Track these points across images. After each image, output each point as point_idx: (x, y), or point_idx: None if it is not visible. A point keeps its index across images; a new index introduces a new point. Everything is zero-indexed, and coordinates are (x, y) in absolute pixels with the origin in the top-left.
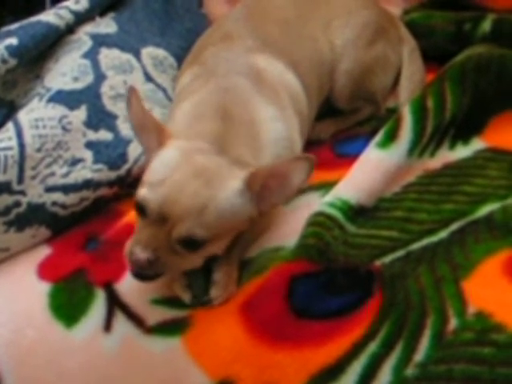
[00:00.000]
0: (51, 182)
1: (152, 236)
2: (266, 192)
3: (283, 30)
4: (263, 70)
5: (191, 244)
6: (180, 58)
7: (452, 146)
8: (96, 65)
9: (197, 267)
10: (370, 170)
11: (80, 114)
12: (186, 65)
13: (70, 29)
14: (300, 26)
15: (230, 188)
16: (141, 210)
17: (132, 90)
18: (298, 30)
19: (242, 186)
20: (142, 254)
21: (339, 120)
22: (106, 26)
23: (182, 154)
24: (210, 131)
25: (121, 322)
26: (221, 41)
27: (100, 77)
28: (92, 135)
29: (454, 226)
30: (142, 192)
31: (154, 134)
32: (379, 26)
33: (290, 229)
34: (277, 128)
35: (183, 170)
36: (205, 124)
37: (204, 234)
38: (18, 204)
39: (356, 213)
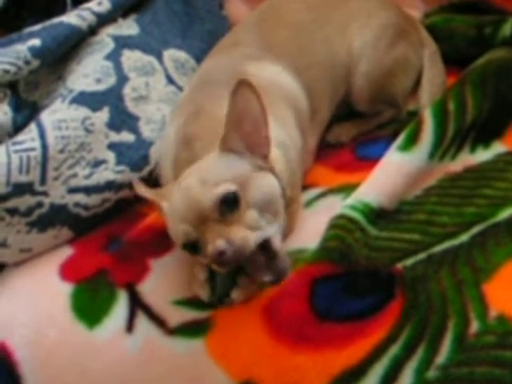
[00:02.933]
0: (74, 183)
1: (211, 232)
2: (249, 138)
3: (293, 33)
4: (251, 74)
5: (232, 203)
6: (201, 60)
7: (473, 150)
8: (118, 66)
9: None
10: (392, 173)
11: (102, 116)
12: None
13: (93, 30)
14: (314, 29)
15: (206, 162)
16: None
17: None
18: (310, 34)
19: (218, 154)
20: (213, 249)
21: (360, 123)
22: (128, 27)
23: (171, 195)
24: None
25: (143, 323)
26: (229, 48)
27: (122, 78)
28: (114, 137)
29: (475, 230)
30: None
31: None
32: (400, 28)
33: (311, 231)
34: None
35: (174, 199)
36: (179, 158)
37: (225, 186)
38: (40, 205)
39: (377, 215)
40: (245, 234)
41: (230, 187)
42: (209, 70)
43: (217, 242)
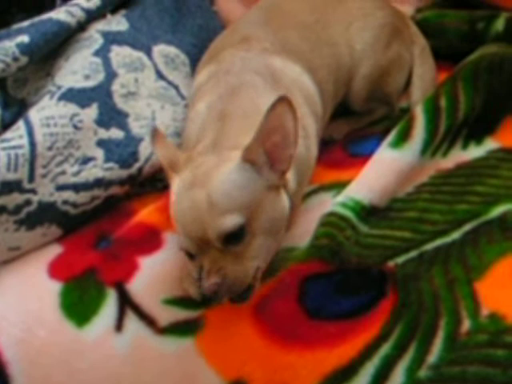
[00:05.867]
0: (62, 180)
1: (208, 262)
2: (274, 153)
3: (302, 34)
4: (279, 70)
5: (237, 236)
6: (192, 55)
7: (465, 146)
8: (107, 63)
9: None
10: (383, 170)
11: (91, 112)
12: (202, 64)
13: (81, 26)
14: (319, 30)
15: (222, 173)
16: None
17: (156, 136)
18: (316, 35)
19: (237, 163)
20: (208, 284)
21: (353, 120)
22: (117, 23)
23: (180, 186)
24: (209, 136)
25: (132, 322)
26: (239, 43)
27: (111, 75)
28: (103, 133)
29: (467, 227)
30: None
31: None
32: (394, 27)
33: (302, 229)
34: None
35: (181, 201)
36: (207, 131)
37: (232, 219)
38: (28, 203)
39: (368, 213)
40: (243, 268)
41: (238, 221)
42: (230, 59)
43: (212, 279)
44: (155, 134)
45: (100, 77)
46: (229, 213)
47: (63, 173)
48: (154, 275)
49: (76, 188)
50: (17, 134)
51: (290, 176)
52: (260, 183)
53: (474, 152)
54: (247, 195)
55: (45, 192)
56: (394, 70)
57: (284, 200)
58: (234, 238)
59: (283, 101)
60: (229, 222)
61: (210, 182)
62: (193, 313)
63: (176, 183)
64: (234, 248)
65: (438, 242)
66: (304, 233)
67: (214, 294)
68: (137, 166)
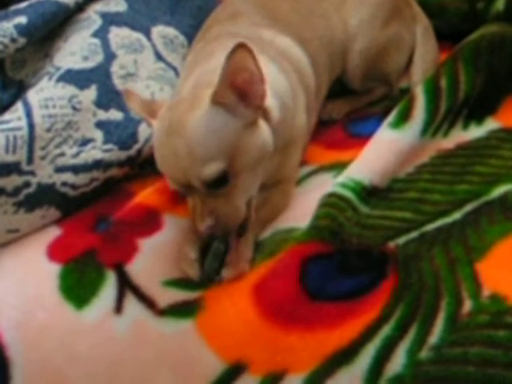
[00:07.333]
0: (61, 162)
1: (199, 204)
2: (244, 90)
3: (294, 7)
4: (268, 40)
5: (220, 180)
6: (190, 37)
7: (465, 126)
8: (106, 44)
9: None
10: (383, 151)
11: (90, 94)
12: (194, 44)
13: (80, 7)
14: (312, 4)
15: (195, 120)
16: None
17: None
18: (309, 9)
19: (208, 108)
20: (203, 227)
21: (352, 100)
22: (116, 4)
23: (159, 131)
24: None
25: (132, 304)
26: (229, 18)
27: (110, 56)
28: (102, 115)
29: (468, 207)
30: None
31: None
32: (394, 6)
33: (302, 210)
34: (278, 78)
35: (161, 147)
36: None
37: (213, 167)
38: (27, 184)
39: (369, 194)
40: (234, 206)
41: (219, 167)
42: (218, 34)
43: (206, 221)
44: (128, 94)
45: (99, 58)
46: (209, 161)
47: (62, 154)
48: (153, 257)
49: (75, 170)
50: (15, 116)
51: (272, 104)
52: (235, 124)
53: (475, 132)
54: (224, 139)
55: (44, 174)
56: (392, 50)
57: (264, 132)
58: (218, 182)
59: (241, 46)
60: (209, 169)
61: (186, 129)
62: (192, 294)
63: (156, 127)
64: (219, 190)
65: (439, 222)
66: (304, 214)
67: (213, 235)
68: (136, 147)
